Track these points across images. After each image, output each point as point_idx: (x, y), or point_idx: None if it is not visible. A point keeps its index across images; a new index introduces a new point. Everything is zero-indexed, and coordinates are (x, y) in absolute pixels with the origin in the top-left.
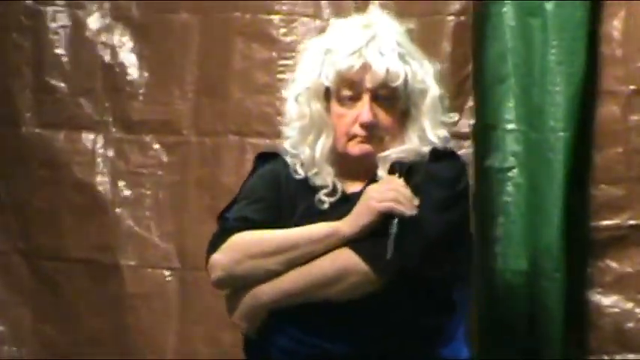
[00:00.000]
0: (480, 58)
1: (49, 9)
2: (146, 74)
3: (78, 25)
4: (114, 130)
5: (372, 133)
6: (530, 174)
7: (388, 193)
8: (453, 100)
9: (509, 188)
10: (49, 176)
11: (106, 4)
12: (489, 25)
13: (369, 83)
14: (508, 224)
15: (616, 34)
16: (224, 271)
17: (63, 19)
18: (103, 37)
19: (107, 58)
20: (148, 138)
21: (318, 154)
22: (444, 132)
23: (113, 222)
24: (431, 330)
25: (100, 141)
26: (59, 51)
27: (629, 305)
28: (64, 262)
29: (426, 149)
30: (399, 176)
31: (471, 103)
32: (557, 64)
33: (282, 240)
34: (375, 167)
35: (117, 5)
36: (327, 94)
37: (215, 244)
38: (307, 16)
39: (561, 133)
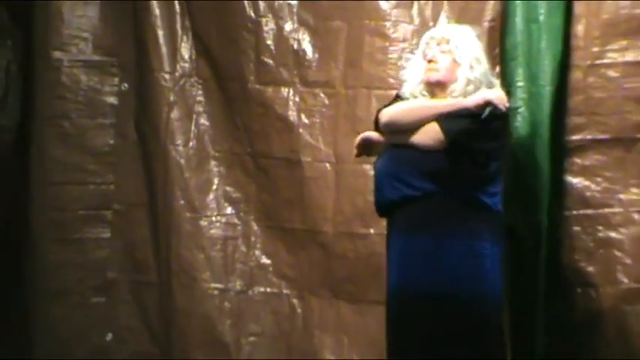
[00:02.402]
0: (503, 46)
1: (263, 20)
2: (316, 55)
3: (279, 28)
4: (299, 86)
5: (434, 67)
6: (531, 110)
7: (494, 94)
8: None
9: (519, 117)
10: (262, 112)
11: (295, 17)
12: (508, 27)
13: (433, 43)
14: (514, 132)
15: (580, 32)
16: (387, 116)
17: (271, 24)
18: (294, 35)
19: (295, 46)
20: (317, 90)
21: (415, 84)
22: (479, 75)
23: (297, 136)
24: (471, 177)
25: (291, 92)
26: (269, 42)
27: None
28: (272, 159)
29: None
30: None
31: (498, 70)
32: (546, 49)
33: (427, 102)
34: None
35: (300, 16)
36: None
37: (379, 112)
38: (404, 23)
39: (548, 88)
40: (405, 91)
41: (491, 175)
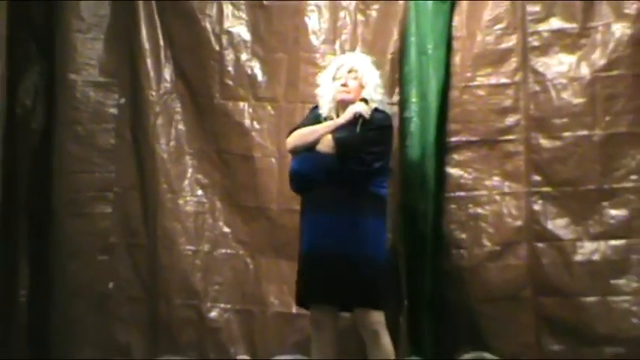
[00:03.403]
0: (401, 72)
1: (225, 52)
2: (265, 78)
3: (237, 58)
4: (252, 101)
5: (347, 89)
6: (421, 120)
7: (358, 107)
8: (391, 89)
9: (411, 124)
10: (225, 120)
11: (249, 50)
12: (404, 59)
13: (345, 70)
14: (409, 135)
15: (457, 61)
16: (290, 144)
17: (231, 55)
18: (248, 63)
19: (249, 71)
20: (265, 104)
21: (328, 102)
22: (378, 96)
23: (250, 138)
24: (358, 172)
25: (247, 105)
26: (230, 68)
27: None
28: (232, 155)
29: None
30: (364, 103)
31: (397, 89)
32: (432, 74)
33: (313, 127)
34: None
35: (253, 49)
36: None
37: (288, 136)
38: (330, 54)
39: (434, 103)
40: (322, 106)
41: (376, 171)
